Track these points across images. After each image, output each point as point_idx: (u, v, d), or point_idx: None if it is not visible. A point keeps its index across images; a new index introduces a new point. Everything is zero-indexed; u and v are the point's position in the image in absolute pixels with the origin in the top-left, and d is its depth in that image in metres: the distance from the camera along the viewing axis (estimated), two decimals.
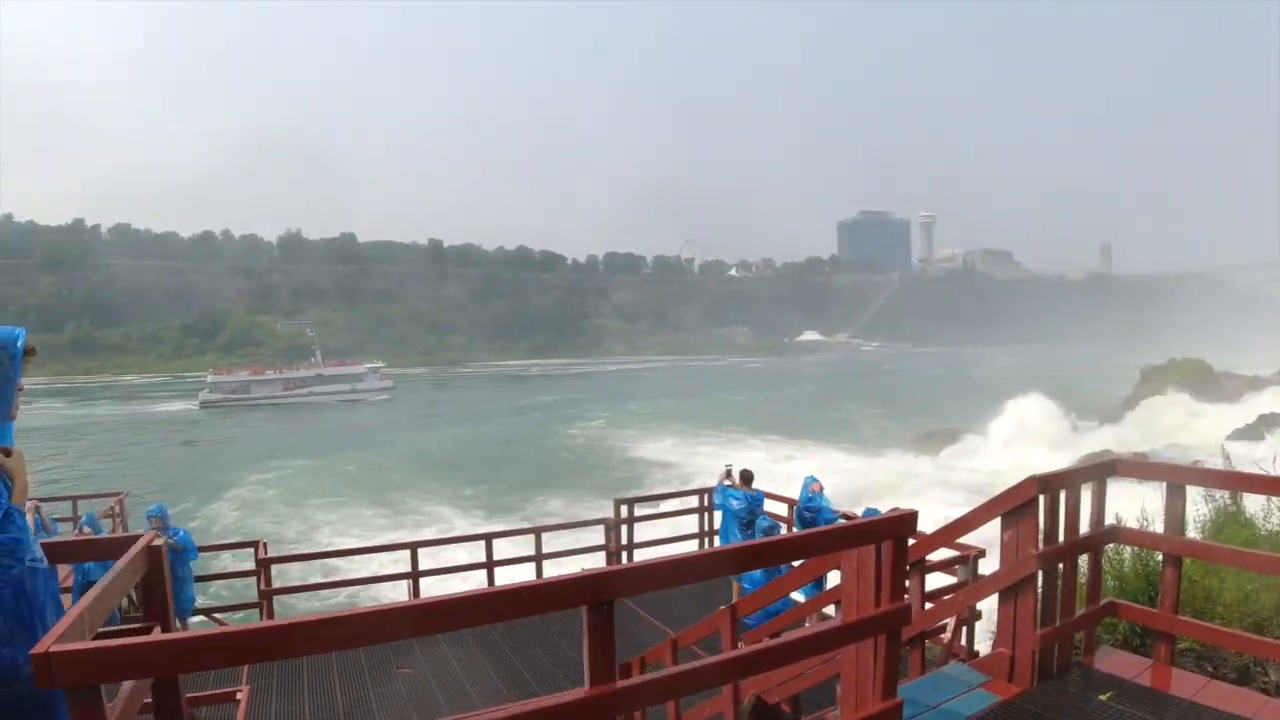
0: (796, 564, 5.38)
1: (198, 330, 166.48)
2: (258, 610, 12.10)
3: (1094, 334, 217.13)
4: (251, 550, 12.88)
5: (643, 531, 14.80)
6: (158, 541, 3.68)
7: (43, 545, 3.18)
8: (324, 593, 16.38)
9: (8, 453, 2.98)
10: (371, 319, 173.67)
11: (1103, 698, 4.97)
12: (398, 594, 14.89)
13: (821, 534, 4.00)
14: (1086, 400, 56.97)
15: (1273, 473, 8.72)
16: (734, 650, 3.72)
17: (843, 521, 9.47)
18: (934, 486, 35.07)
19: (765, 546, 3.74)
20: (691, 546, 14.09)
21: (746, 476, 12.04)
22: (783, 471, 32.26)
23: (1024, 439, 44.87)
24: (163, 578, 3.70)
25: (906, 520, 3.91)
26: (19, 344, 3.03)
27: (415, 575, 12.79)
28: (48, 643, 2.35)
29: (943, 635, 8.46)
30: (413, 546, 13.06)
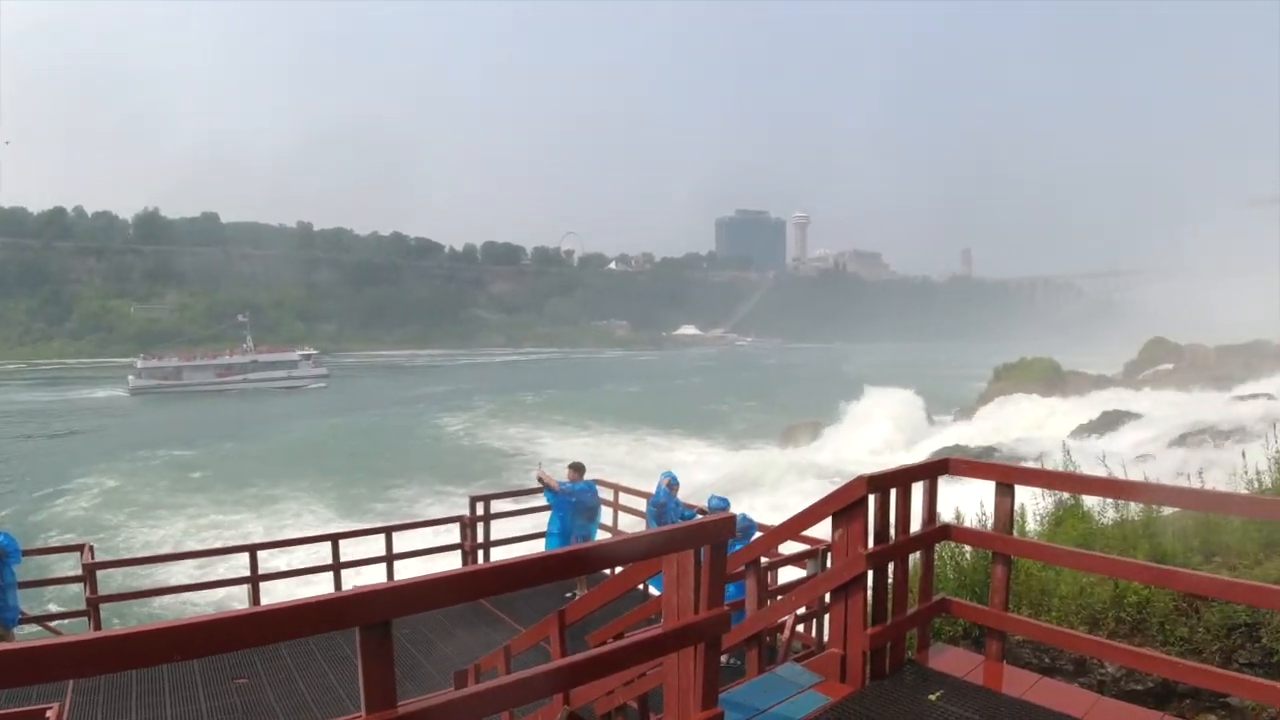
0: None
1: (45, 314, 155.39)
2: (87, 619, 11.23)
3: (956, 333, 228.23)
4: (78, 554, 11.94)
5: (504, 528, 14.46)
6: None
7: None
8: (159, 600, 15.36)
9: None
10: (235, 304, 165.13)
11: (932, 698, 4.95)
12: (239, 599, 14.12)
13: (637, 539, 3.81)
14: (945, 396, 59.58)
15: (1107, 467, 9.19)
16: (543, 665, 3.47)
17: (699, 518, 9.41)
18: (796, 478, 35.96)
19: (579, 554, 3.53)
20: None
21: (579, 468, 11.98)
22: (652, 463, 32.46)
23: (883, 433, 46.53)
24: None
25: (724, 525, 3.76)
26: None
27: (255, 580, 12.05)
28: None
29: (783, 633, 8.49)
30: (252, 549, 12.29)
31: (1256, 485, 7.90)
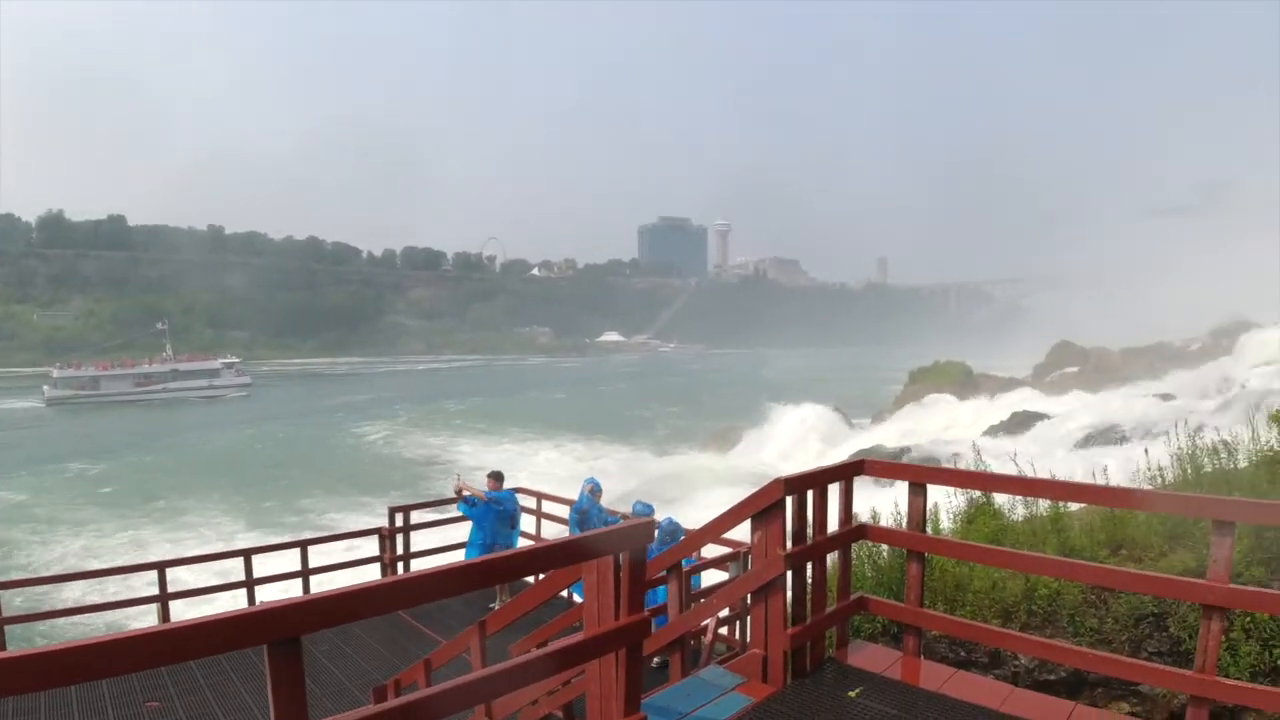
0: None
1: None
2: None
3: (872, 338, 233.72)
4: None
5: (426, 539, 14.19)
6: None
7: None
8: (63, 620, 14.69)
9: None
10: (143, 311, 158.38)
11: (851, 694, 5.02)
12: (148, 619, 13.58)
13: (555, 547, 3.77)
14: (863, 399, 60.81)
15: (1017, 465, 9.47)
16: (464, 677, 3.40)
17: (623, 523, 9.40)
18: (719, 483, 36.15)
19: (496, 563, 3.47)
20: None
21: (498, 476, 11.91)
22: (571, 471, 32.34)
23: (805, 436, 47.24)
24: None
25: (642, 530, 3.76)
26: None
27: (164, 598, 11.60)
28: None
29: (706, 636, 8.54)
30: (160, 566, 11.83)
31: (1159, 481, 8.22)
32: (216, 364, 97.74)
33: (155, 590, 11.69)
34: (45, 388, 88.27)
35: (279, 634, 2.67)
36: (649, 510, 9.94)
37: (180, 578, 13.35)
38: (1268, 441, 7.92)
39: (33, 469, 44.60)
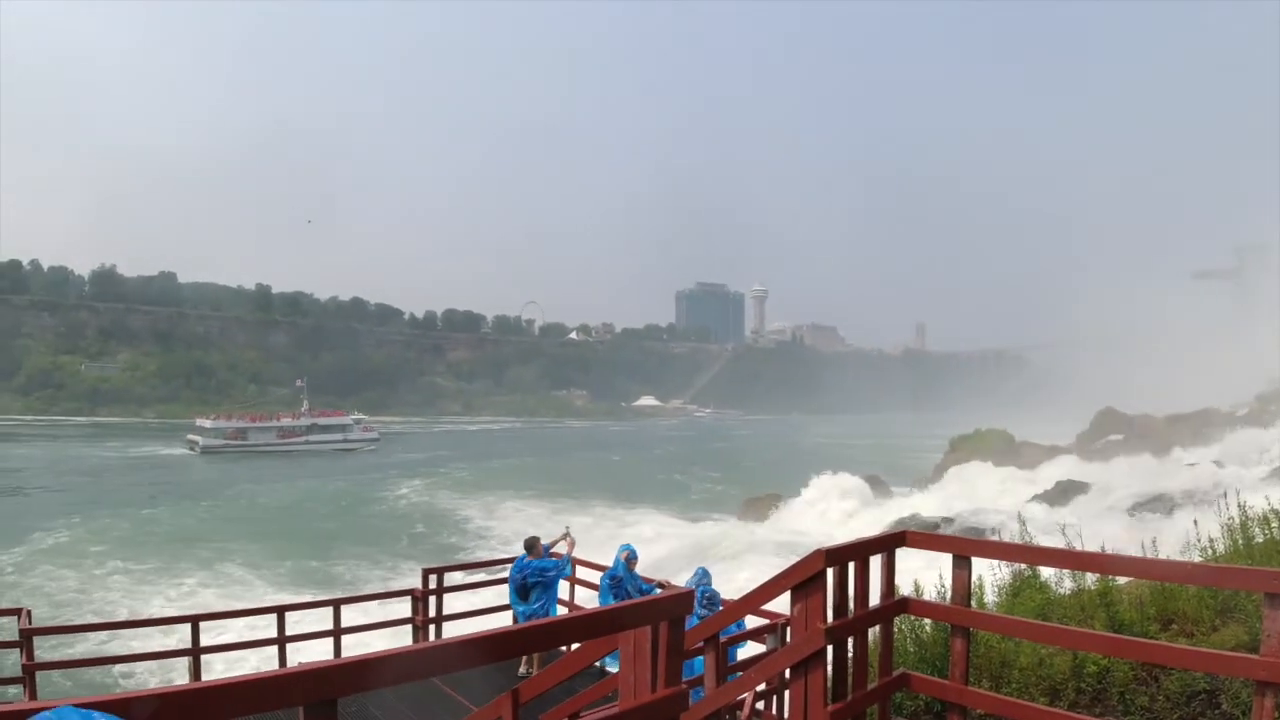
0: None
1: None
2: (21, 687, 10.66)
3: (909, 405, 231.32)
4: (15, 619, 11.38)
5: (459, 601, 14.06)
6: None
7: None
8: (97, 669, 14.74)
9: None
10: (187, 365, 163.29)
11: None
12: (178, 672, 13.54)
13: (595, 616, 3.71)
14: (902, 467, 59.95)
15: (1065, 537, 9.23)
16: None
17: (659, 592, 9.24)
18: (757, 551, 35.67)
19: (531, 631, 3.42)
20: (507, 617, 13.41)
21: (530, 543, 11.72)
22: (613, 536, 32.13)
23: (843, 504, 46.62)
24: None
25: (681, 600, 3.68)
26: None
27: (196, 652, 11.50)
28: None
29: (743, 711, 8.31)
30: (194, 620, 11.73)
31: (1210, 552, 7.98)
32: (348, 420, 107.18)
33: (188, 644, 11.62)
34: (198, 438, 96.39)
35: (317, 695, 2.63)
36: (707, 577, 9.75)
37: (215, 630, 13.30)
38: None
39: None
